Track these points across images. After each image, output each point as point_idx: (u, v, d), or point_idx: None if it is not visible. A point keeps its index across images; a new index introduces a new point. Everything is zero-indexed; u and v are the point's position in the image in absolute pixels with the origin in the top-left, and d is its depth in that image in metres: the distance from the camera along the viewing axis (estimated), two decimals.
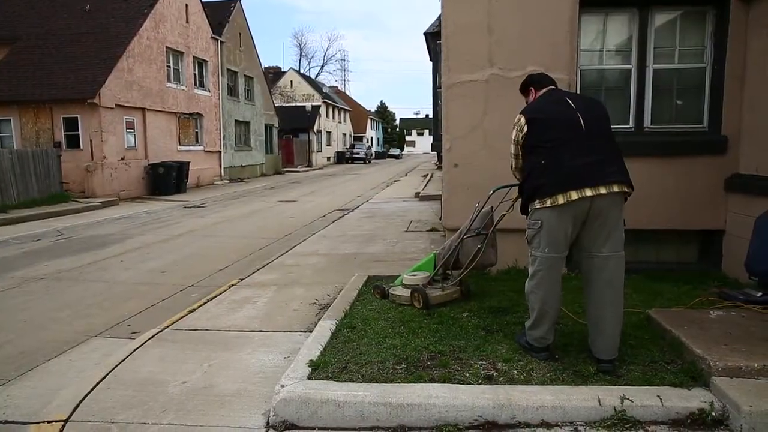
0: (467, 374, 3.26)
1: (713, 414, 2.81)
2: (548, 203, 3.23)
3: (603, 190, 3.15)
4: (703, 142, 5.38)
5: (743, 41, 5.13)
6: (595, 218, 3.20)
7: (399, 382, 3.15)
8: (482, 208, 4.56)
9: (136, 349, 4.08)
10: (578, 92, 5.47)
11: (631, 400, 2.87)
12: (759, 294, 4.20)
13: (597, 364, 3.26)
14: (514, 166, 3.66)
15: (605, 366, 3.22)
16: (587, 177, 3.17)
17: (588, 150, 3.24)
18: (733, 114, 5.25)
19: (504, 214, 4.28)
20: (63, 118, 16.98)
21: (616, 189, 3.18)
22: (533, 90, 3.74)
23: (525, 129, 3.40)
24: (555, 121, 3.35)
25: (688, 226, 5.51)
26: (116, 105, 17.33)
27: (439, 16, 5.66)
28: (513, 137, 3.53)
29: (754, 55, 5.03)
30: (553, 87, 3.67)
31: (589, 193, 3.14)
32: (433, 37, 14.94)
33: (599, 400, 2.89)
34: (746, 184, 5.06)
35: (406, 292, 4.66)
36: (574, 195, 3.15)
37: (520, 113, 3.49)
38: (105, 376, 3.58)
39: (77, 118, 16.87)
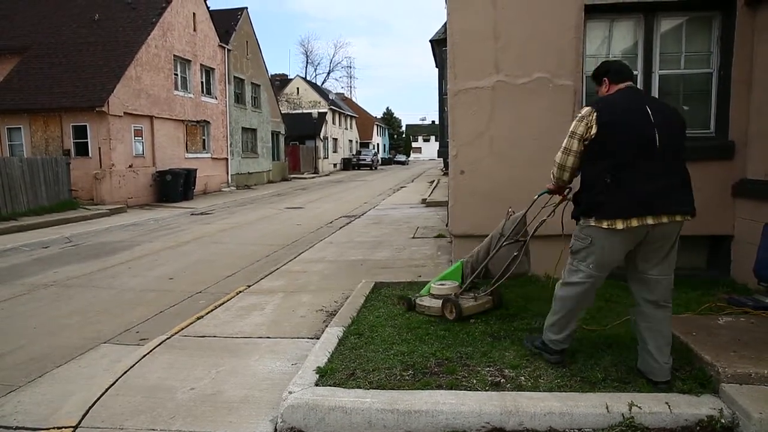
0: (474, 381, 3.26)
1: (723, 421, 2.80)
2: (604, 225, 3.01)
3: (665, 219, 2.97)
4: (711, 148, 5.37)
5: (750, 46, 5.12)
6: (653, 242, 3.05)
7: (406, 389, 3.16)
8: (513, 213, 4.38)
9: (145, 355, 4.11)
10: (585, 99, 5.48)
11: (639, 407, 2.86)
12: None
13: (653, 385, 3.11)
14: (564, 163, 3.23)
15: (661, 387, 3.08)
16: (652, 205, 2.95)
17: (657, 174, 2.97)
18: (740, 119, 5.23)
19: (544, 220, 3.93)
20: (72, 126, 17.14)
21: (678, 218, 3.00)
22: (608, 81, 3.29)
23: (595, 130, 3.02)
24: (630, 134, 2.98)
25: (696, 232, 5.45)
26: (124, 113, 17.47)
27: (445, 23, 5.70)
28: (575, 130, 3.11)
29: (761, 60, 5.01)
30: (632, 84, 3.26)
31: (651, 221, 2.95)
32: (439, 44, 15.01)
33: (607, 407, 2.88)
34: (754, 189, 5.04)
35: (436, 303, 4.44)
36: (635, 222, 2.95)
37: (592, 107, 3.09)
38: (114, 383, 3.60)
39: (86, 126, 17.03)
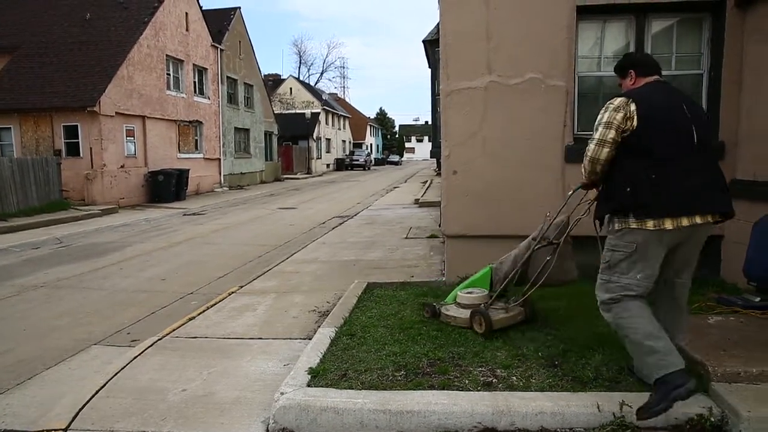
0: (466, 381, 3.26)
1: (712, 420, 2.81)
2: (650, 225, 2.80)
3: (710, 218, 2.84)
4: None
5: (740, 48, 5.15)
6: (685, 245, 2.92)
7: (398, 389, 3.16)
8: (556, 217, 3.97)
9: (136, 356, 4.08)
10: (577, 99, 5.51)
11: (630, 406, 2.87)
12: (757, 299, 4.21)
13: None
14: (598, 155, 2.93)
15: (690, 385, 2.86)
16: (699, 202, 2.82)
17: (698, 170, 2.85)
18: (730, 120, 5.27)
19: (579, 219, 3.64)
20: (63, 126, 17.03)
21: (719, 218, 2.88)
22: (634, 74, 3.13)
23: (635, 122, 2.83)
24: (672, 126, 2.86)
25: None
26: (116, 113, 17.38)
27: (438, 23, 5.70)
28: (612, 120, 2.88)
29: (751, 61, 5.05)
30: (660, 78, 3.10)
31: (699, 220, 2.80)
32: (431, 44, 15.02)
33: (598, 407, 2.89)
34: (744, 189, 5.07)
35: (463, 314, 4.10)
36: (685, 222, 2.79)
37: (628, 99, 2.90)
38: (104, 384, 3.58)
39: (77, 126, 16.92)
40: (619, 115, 2.87)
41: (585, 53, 5.58)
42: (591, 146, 2.97)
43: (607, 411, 2.87)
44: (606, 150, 2.91)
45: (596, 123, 2.98)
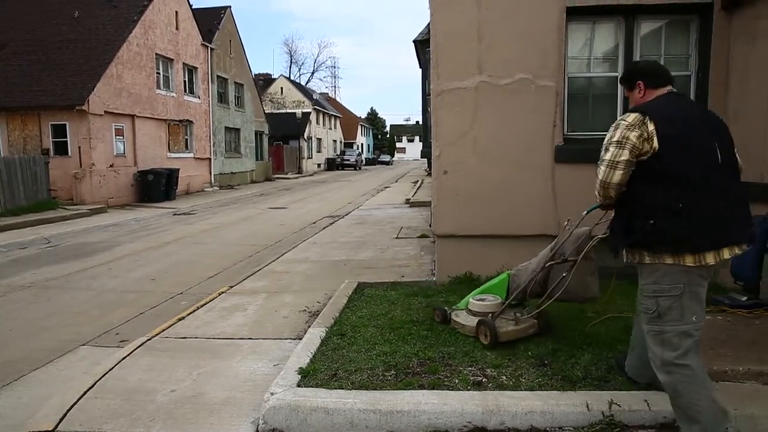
0: (456, 380, 3.27)
1: None
2: (690, 261, 2.47)
3: (737, 250, 2.53)
4: None
5: (727, 50, 5.21)
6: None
7: (388, 389, 3.16)
8: (575, 229, 3.65)
9: (125, 357, 4.05)
10: (567, 100, 5.54)
11: (619, 405, 2.89)
12: (744, 298, 4.25)
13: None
14: (609, 179, 2.58)
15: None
16: (738, 231, 2.53)
17: (729, 193, 2.54)
18: None
19: (598, 238, 3.31)
20: (51, 124, 16.86)
21: (745, 247, 2.56)
22: (643, 86, 2.80)
23: (656, 144, 2.48)
24: (696, 146, 2.52)
25: None
26: (105, 112, 17.24)
27: (429, 23, 5.70)
28: (626, 139, 2.53)
29: (737, 63, 5.11)
30: (673, 88, 2.78)
31: (737, 251, 2.51)
32: (422, 44, 15.03)
33: (588, 405, 2.91)
34: None
35: (472, 322, 3.91)
36: (726, 254, 2.48)
37: (644, 115, 2.55)
38: (93, 385, 3.55)
39: (65, 125, 16.77)
40: (634, 134, 2.52)
41: (575, 54, 5.61)
42: (602, 169, 2.62)
43: (596, 410, 2.89)
44: (619, 173, 2.55)
45: (606, 141, 2.64)
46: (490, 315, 3.87)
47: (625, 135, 2.53)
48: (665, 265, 2.50)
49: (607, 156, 2.58)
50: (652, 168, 2.51)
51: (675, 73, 5.48)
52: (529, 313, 3.86)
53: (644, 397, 2.95)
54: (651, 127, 2.50)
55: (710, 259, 2.46)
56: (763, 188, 4.46)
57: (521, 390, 3.13)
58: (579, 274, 3.52)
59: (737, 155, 2.66)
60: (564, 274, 3.55)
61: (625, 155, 2.52)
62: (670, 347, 2.52)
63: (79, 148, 16.74)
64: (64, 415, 3.17)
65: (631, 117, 2.57)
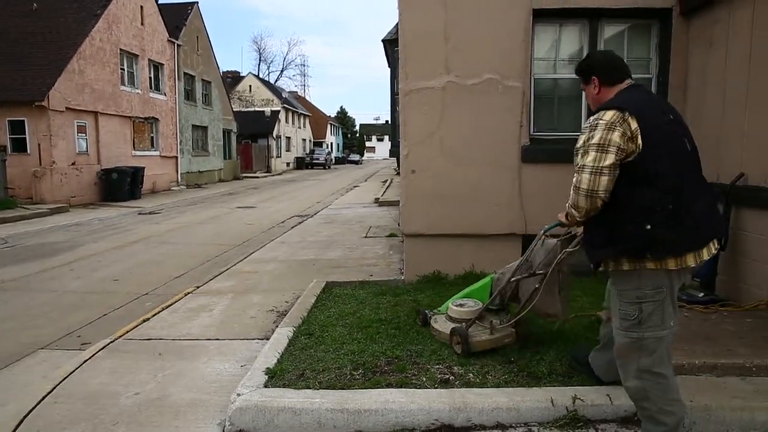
0: (424, 378, 3.29)
1: None
2: (672, 265, 2.35)
3: (713, 249, 2.43)
4: None
5: (686, 53, 5.38)
6: None
7: (356, 388, 3.16)
8: (543, 241, 3.41)
9: (86, 360, 3.95)
10: (533, 100, 5.62)
11: (582, 400, 2.95)
12: (701, 294, 4.40)
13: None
14: (596, 187, 2.33)
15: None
16: (714, 227, 2.44)
17: (701, 188, 2.44)
18: None
19: (567, 251, 3.13)
20: (8, 120, 16.27)
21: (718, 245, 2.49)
22: (597, 82, 2.61)
23: (640, 142, 2.30)
24: (667, 138, 2.38)
25: None
26: (66, 108, 16.75)
27: (398, 23, 5.72)
28: (608, 141, 2.31)
29: (696, 67, 5.28)
30: (632, 80, 2.61)
31: (713, 250, 2.42)
32: (391, 43, 15.08)
33: (552, 401, 2.96)
34: None
35: (447, 329, 3.75)
36: (705, 254, 2.38)
37: (624, 110, 2.33)
38: (52, 390, 3.45)
39: (24, 121, 16.21)
40: (617, 134, 2.30)
41: (541, 56, 5.71)
42: (584, 176, 2.34)
43: (560, 405, 2.94)
44: (605, 179, 2.31)
45: (582, 144, 2.39)
46: (464, 323, 3.66)
47: (607, 136, 2.31)
48: (648, 270, 2.36)
49: (588, 161, 2.33)
50: (638, 169, 2.31)
51: (637, 76, 5.64)
52: (507, 321, 3.67)
53: (606, 392, 3.02)
54: (634, 124, 2.30)
55: (691, 261, 2.36)
56: (718, 188, 4.61)
57: (488, 387, 3.17)
58: (546, 289, 3.35)
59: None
60: (536, 286, 3.36)
61: (610, 159, 2.29)
62: (647, 354, 2.42)
63: (39, 145, 16.22)
64: (21, 421, 3.07)
65: (609, 115, 2.34)
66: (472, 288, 4.18)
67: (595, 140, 2.33)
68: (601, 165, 2.30)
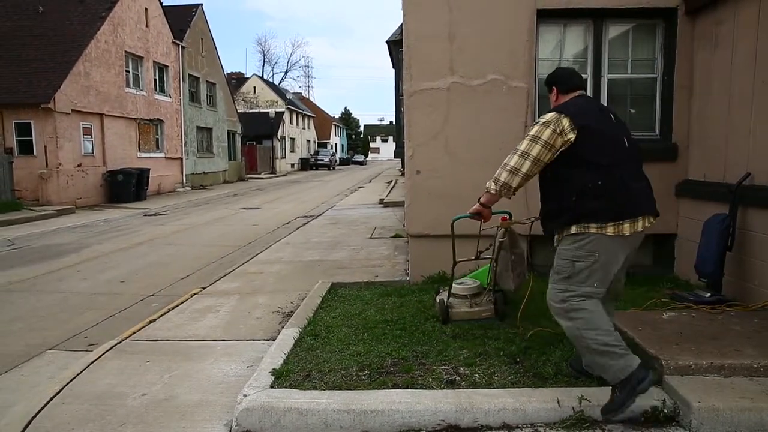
0: (430, 379, 3.29)
1: (665, 411, 2.92)
2: (610, 231, 2.85)
3: (652, 219, 2.94)
4: (655, 150, 5.58)
5: (690, 54, 5.36)
6: (634, 249, 3.01)
7: (362, 389, 3.16)
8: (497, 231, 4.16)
9: (94, 361, 3.97)
10: (538, 101, 5.62)
11: (588, 401, 2.95)
12: (708, 295, 4.38)
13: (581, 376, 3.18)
14: (520, 167, 2.93)
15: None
16: (648, 204, 2.94)
17: (635, 173, 2.97)
18: (682, 122, 5.47)
19: (488, 248, 4.17)
20: (15, 123, 16.38)
21: (653, 219, 2.97)
22: (556, 91, 3.20)
23: (573, 136, 2.85)
24: (605, 133, 2.94)
25: None
26: (72, 110, 16.84)
27: (402, 24, 5.72)
28: (539, 135, 2.89)
29: (700, 67, 5.26)
30: (583, 92, 3.20)
31: (651, 221, 2.93)
32: (395, 44, 15.07)
33: (558, 402, 2.96)
34: (695, 189, 5.28)
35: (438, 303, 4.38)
36: (640, 224, 2.89)
37: (561, 113, 2.93)
38: (60, 391, 3.47)
39: (30, 123, 16.31)
40: (548, 131, 2.88)
41: (546, 56, 5.70)
42: (514, 157, 2.94)
43: (566, 406, 2.94)
44: (528, 164, 2.91)
45: (525, 136, 2.99)
46: (448, 298, 4.31)
47: (539, 131, 2.91)
48: (589, 234, 2.87)
49: (521, 147, 2.94)
50: (572, 156, 2.89)
51: (642, 76, 5.70)
52: (488, 298, 4.30)
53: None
54: (566, 121, 2.87)
55: (627, 229, 2.84)
56: (724, 188, 4.60)
57: (494, 388, 3.17)
58: (501, 268, 4.16)
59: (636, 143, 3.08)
60: (493, 267, 4.18)
61: (536, 149, 2.89)
62: (567, 302, 2.93)
63: (45, 147, 16.30)
64: (30, 421, 3.09)
65: (548, 115, 2.95)
66: (479, 271, 4.70)
67: (531, 133, 2.94)
68: (528, 152, 2.91)
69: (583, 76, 5.61)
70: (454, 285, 4.43)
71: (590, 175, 2.86)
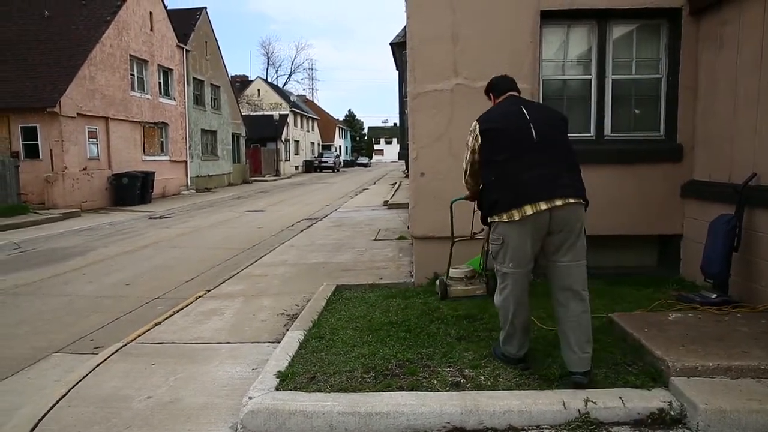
0: (435, 381, 3.28)
1: (672, 413, 2.90)
2: (505, 218, 3.22)
3: (559, 202, 3.13)
4: (660, 150, 5.57)
5: (695, 54, 5.34)
6: (558, 229, 3.17)
7: (367, 391, 3.16)
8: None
9: (99, 364, 3.98)
10: (540, 102, 5.61)
11: (594, 402, 2.94)
12: (714, 296, 4.36)
13: (570, 377, 3.16)
14: (468, 173, 3.63)
15: (577, 378, 3.12)
16: (540, 190, 3.15)
17: (540, 162, 3.21)
18: (687, 123, 5.45)
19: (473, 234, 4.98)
20: (21, 127, 16.47)
21: (572, 200, 3.16)
22: (492, 96, 3.70)
23: (480, 140, 3.39)
24: (507, 132, 3.31)
25: (647, 232, 5.68)
26: (78, 114, 16.92)
27: (405, 26, 5.73)
28: (469, 144, 3.49)
29: (705, 67, 5.24)
30: (513, 93, 3.59)
31: (543, 206, 3.12)
32: (399, 46, 15.09)
33: (564, 404, 2.95)
34: (700, 190, 5.26)
35: (440, 283, 5.08)
36: (528, 210, 3.14)
37: (476, 121, 3.47)
38: (66, 394, 3.48)
39: (36, 127, 16.39)
40: (471, 138, 3.46)
41: (550, 57, 5.69)
42: (464, 165, 3.64)
43: (572, 408, 2.93)
44: (469, 168, 3.59)
45: None
46: (445, 278, 5.10)
47: (470, 140, 3.48)
48: (495, 222, 3.33)
49: (465, 156, 3.59)
50: (482, 154, 3.41)
51: (646, 76, 5.68)
52: (482, 280, 5.09)
53: (619, 395, 3.00)
54: (477, 127, 3.42)
55: (516, 215, 3.17)
56: (730, 188, 4.58)
57: (499, 390, 3.16)
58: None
59: (560, 132, 3.38)
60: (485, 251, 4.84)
61: (469, 156, 3.53)
62: (499, 280, 3.42)
63: (51, 151, 16.39)
64: (36, 424, 3.10)
65: (472, 125, 3.47)
66: (471, 260, 5.36)
67: (468, 143, 3.52)
68: (467, 159, 3.58)
69: (587, 76, 5.69)
70: (451, 269, 5.10)
71: (490, 172, 3.35)
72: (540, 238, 3.23)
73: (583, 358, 3.15)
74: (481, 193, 3.52)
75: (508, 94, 3.58)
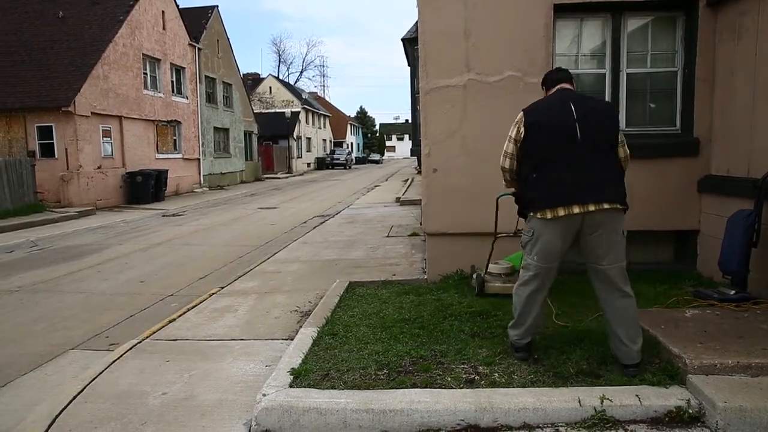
0: (449, 378, 3.27)
1: (690, 411, 2.86)
2: (538, 216, 3.25)
3: (592, 207, 3.12)
4: (676, 144, 5.49)
5: (712, 46, 5.25)
6: (591, 232, 3.18)
7: (381, 388, 3.15)
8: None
9: (115, 361, 4.02)
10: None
11: (610, 400, 2.90)
12: (732, 292, 4.29)
13: (623, 370, 3.23)
14: (507, 165, 3.52)
15: (630, 371, 3.19)
16: (575, 194, 3.14)
17: (580, 165, 3.18)
18: (704, 116, 5.36)
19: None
20: (37, 126, 16.67)
21: (606, 206, 3.14)
22: (545, 89, 3.64)
23: (523, 132, 3.33)
24: (551, 128, 3.26)
25: (663, 227, 5.61)
26: (92, 113, 17.08)
27: (417, 21, 5.69)
28: (512, 134, 3.41)
29: (722, 60, 5.15)
30: (564, 86, 3.48)
31: (576, 210, 3.13)
32: (410, 42, 15.03)
33: (579, 401, 2.92)
34: (718, 185, 5.17)
35: (477, 278, 5.00)
36: (561, 212, 3.15)
37: (522, 111, 3.40)
38: (82, 390, 3.51)
39: (51, 126, 16.59)
40: (514, 129, 3.40)
41: (563, 51, 5.63)
42: (501, 155, 3.53)
43: (588, 405, 2.90)
44: (507, 161, 3.50)
45: None
46: (482, 274, 4.99)
47: (511, 130, 3.43)
48: (530, 217, 3.35)
49: (505, 147, 3.49)
50: (523, 148, 3.36)
51: (662, 69, 5.60)
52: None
53: (636, 392, 2.97)
54: (524, 120, 3.34)
55: (548, 215, 3.18)
56: (749, 183, 4.50)
57: (513, 387, 3.14)
58: None
59: (606, 134, 3.27)
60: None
61: (510, 146, 3.45)
62: (522, 272, 3.46)
63: (66, 150, 16.57)
64: (54, 420, 3.13)
65: (519, 115, 3.41)
66: (511, 256, 5.28)
67: (510, 133, 3.45)
68: (506, 150, 3.49)
69: (601, 70, 5.61)
70: (490, 265, 5.05)
71: (530, 168, 3.31)
72: (571, 237, 3.25)
73: (635, 350, 3.20)
74: (520, 188, 3.50)
75: (559, 86, 3.49)
